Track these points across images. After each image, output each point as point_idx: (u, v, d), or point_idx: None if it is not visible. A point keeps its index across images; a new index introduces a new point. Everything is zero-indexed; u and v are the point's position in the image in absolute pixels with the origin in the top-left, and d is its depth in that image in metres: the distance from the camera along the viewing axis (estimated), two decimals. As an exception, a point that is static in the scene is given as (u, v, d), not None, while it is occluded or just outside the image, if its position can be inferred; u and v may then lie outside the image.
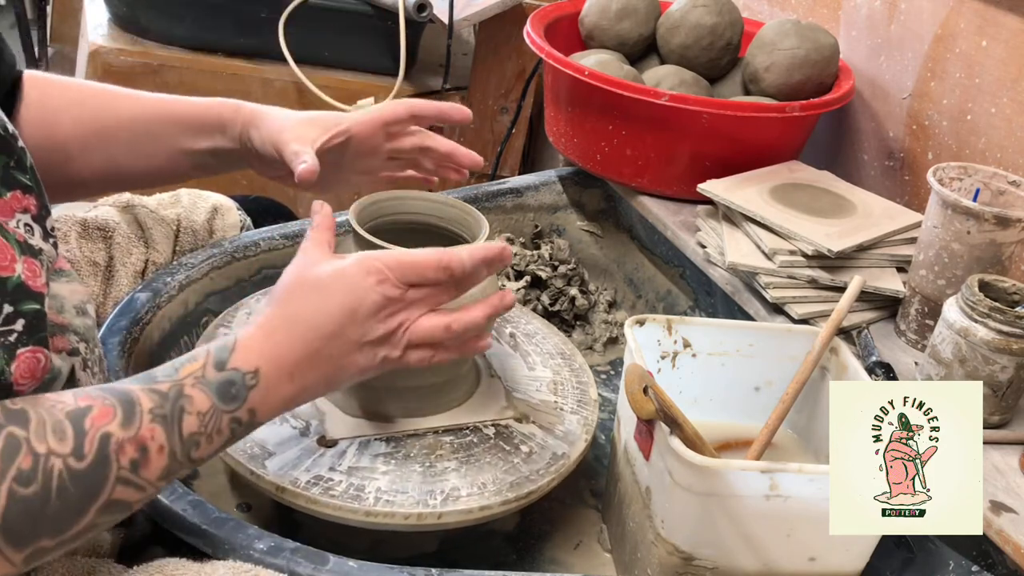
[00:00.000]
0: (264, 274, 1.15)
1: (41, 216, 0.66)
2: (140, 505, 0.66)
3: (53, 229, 0.67)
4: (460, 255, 0.77)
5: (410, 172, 1.03)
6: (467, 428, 0.95)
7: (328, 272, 0.75)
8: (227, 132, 0.95)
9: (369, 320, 0.75)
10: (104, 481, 0.62)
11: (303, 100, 1.81)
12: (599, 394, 1.05)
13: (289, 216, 1.30)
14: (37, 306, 0.62)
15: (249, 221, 1.21)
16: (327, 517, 0.84)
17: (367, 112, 0.97)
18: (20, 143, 0.66)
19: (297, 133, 0.91)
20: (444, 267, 0.77)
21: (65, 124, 0.92)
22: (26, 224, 0.64)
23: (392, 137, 0.99)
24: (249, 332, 0.72)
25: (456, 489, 0.87)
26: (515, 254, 1.35)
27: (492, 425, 0.96)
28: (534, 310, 1.30)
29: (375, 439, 0.91)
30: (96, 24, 1.82)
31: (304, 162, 0.87)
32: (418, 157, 1.01)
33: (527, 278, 1.33)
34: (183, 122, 0.95)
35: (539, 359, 1.08)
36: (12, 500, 0.57)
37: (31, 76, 0.92)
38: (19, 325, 0.60)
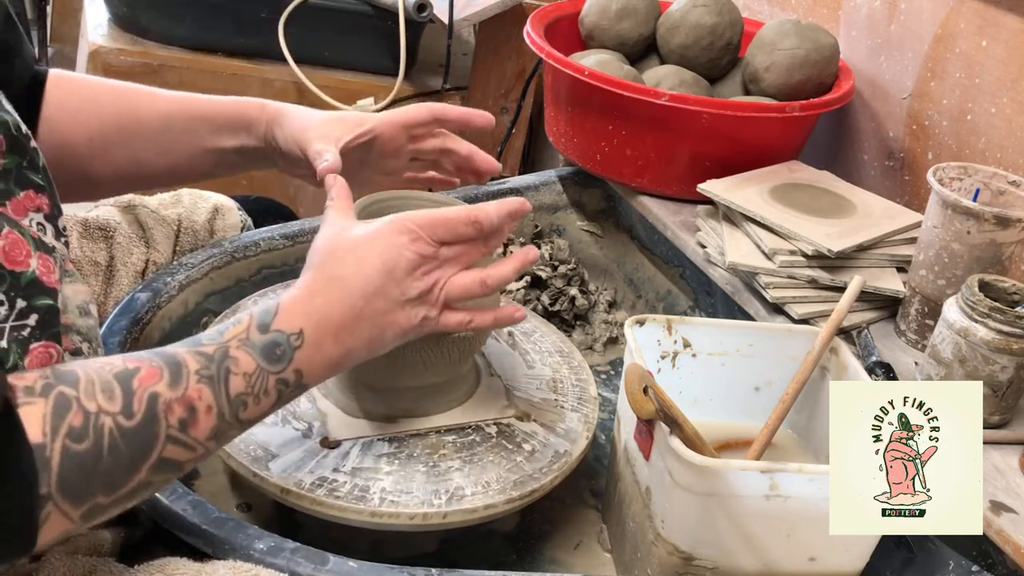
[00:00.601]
0: (264, 274, 1.15)
1: (53, 215, 0.67)
2: (192, 465, 0.68)
3: (65, 229, 0.68)
4: (487, 208, 0.80)
5: (431, 173, 1.03)
6: (469, 427, 0.95)
7: (362, 234, 0.77)
8: (253, 131, 0.96)
9: (406, 278, 0.76)
10: (154, 439, 0.63)
11: (303, 100, 1.81)
12: (599, 394, 1.05)
13: (289, 216, 1.30)
14: (50, 302, 0.62)
15: (250, 221, 1.21)
16: (332, 519, 0.84)
17: (391, 113, 0.98)
18: (33, 143, 0.66)
19: (321, 132, 0.92)
20: (474, 221, 0.78)
21: (86, 122, 0.92)
22: (39, 223, 0.65)
23: (415, 139, 1.00)
24: (291, 295, 0.73)
25: (460, 488, 0.87)
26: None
27: (494, 424, 0.96)
28: (534, 310, 1.30)
29: (378, 439, 0.91)
30: (96, 24, 1.82)
31: (326, 160, 0.88)
32: (439, 159, 1.02)
33: (527, 278, 1.33)
34: (209, 120, 0.96)
35: (538, 357, 1.08)
36: (66, 456, 0.59)
37: (55, 75, 0.92)
38: (32, 320, 0.61)
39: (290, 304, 0.72)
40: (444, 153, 1.01)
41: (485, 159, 1.01)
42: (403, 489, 0.86)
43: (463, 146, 1.01)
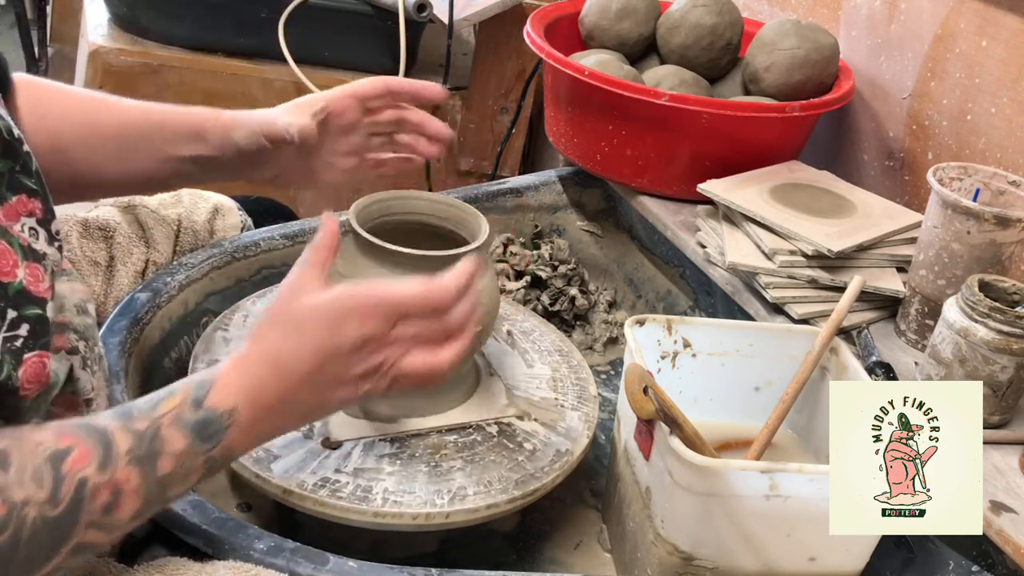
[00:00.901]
0: (264, 274, 1.15)
1: (46, 220, 0.66)
2: (109, 545, 0.66)
3: (58, 233, 0.67)
4: (445, 283, 0.73)
5: (391, 155, 1.06)
6: (470, 427, 0.95)
7: (308, 308, 0.72)
8: (207, 140, 0.95)
9: (350, 358, 0.71)
10: (74, 526, 0.62)
11: (303, 100, 1.81)
12: (599, 393, 1.05)
13: (289, 216, 1.30)
14: (40, 311, 0.62)
15: (250, 221, 1.21)
16: (335, 519, 0.84)
17: (343, 87, 1.01)
18: (26, 147, 0.66)
19: (287, 116, 0.96)
20: (430, 303, 0.72)
21: (53, 127, 0.91)
22: (31, 228, 0.65)
23: (370, 112, 1.02)
24: (227, 368, 0.70)
25: (463, 488, 0.87)
26: (515, 254, 1.36)
27: (495, 423, 0.96)
28: (534, 310, 1.30)
29: (379, 440, 0.91)
30: (96, 24, 1.82)
31: (299, 127, 0.92)
32: (396, 130, 1.05)
33: (527, 278, 1.33)
34: (163, 128, 0.95)
35: (537, 356, 1.08)
36: None
37: (22, 80, 0.91)
38: (24, 330, 0.61)
39: (225, 379, 0.69)
40: (399, 123, 1.04)
41: (434, 124, 1.04)
42: (406, 489, 0.86)
43: (415, 114, 1.04)
